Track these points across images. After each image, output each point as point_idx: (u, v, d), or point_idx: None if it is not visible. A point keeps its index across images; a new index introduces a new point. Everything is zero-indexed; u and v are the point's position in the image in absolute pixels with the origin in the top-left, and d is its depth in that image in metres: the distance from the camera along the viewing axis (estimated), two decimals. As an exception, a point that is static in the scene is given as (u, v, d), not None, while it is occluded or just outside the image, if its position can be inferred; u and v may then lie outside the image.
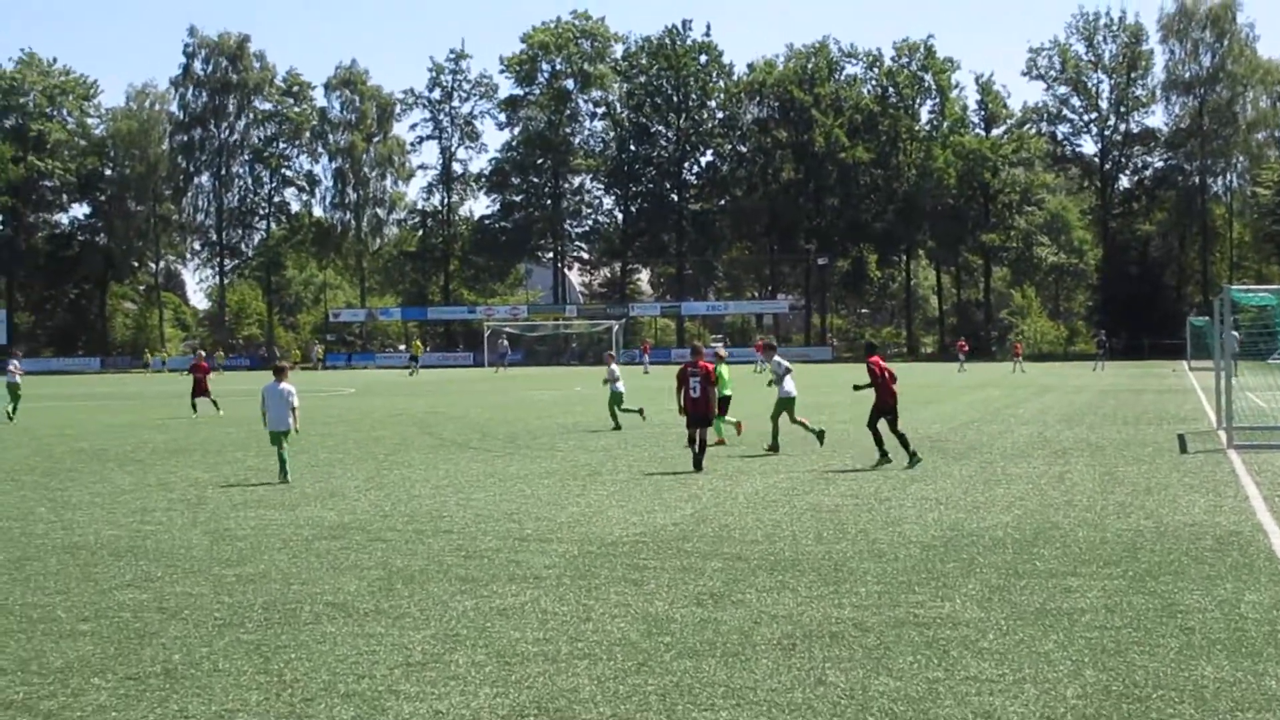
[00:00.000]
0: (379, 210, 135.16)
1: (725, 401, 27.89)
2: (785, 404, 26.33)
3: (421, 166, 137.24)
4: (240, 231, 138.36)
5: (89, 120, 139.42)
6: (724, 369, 28.07)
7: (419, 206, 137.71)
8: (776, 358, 27.47)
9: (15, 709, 8.46)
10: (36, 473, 23.77)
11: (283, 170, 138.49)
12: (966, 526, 15.53)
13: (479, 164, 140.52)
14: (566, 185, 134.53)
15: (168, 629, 10.65)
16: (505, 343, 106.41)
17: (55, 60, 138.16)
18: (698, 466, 22.54)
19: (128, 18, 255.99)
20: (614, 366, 34.38)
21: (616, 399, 33.48)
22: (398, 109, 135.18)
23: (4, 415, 40.00)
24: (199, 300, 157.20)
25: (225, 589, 12.25)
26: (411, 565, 13.31)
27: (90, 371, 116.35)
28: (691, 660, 9.40)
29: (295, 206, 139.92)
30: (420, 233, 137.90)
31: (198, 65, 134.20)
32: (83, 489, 20.94)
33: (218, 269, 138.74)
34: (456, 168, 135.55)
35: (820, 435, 26.49)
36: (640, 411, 33.81)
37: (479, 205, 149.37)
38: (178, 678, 9.15)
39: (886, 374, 23.33)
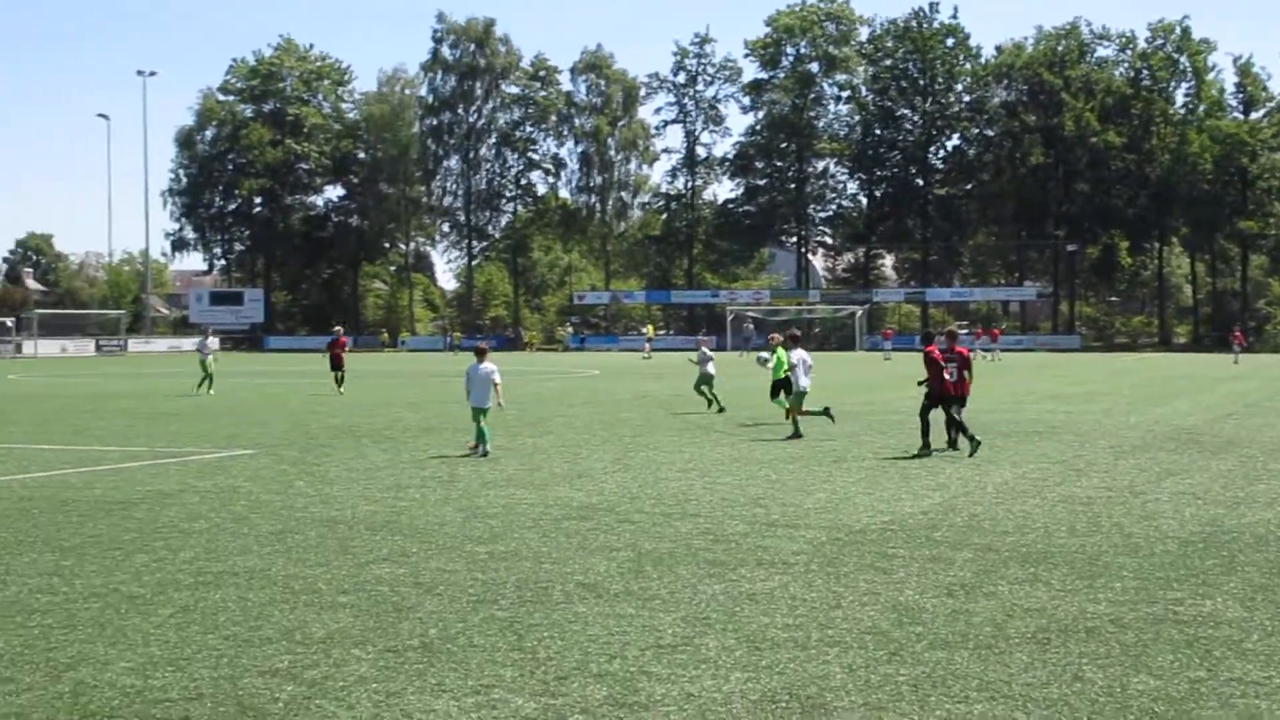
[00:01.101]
0: (623, 194, 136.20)
1: (782, 384, 29.52)
2: (798, 396, 27.24)
3: (666, 150, 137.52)
4: (488, 214, 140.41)
5: (343, 105, 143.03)
6: (781, 353, 29.54)
7: (663, 190, 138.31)
8: (799, 350, 28.00)
9: (280, 677, 8.72)
10: (295, 448, 24.49)
11: (529, 153, 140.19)
12: (1226, 523, 15.08)
13: (723, 148, 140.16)
14: (810, 169, 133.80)
15: (424, 604, 10.87)
16: (751, 326, 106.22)
17: (312, 46, 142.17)
18: (958, 445, 23.51)
19: (379, 4, 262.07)
20: (706, 350, 35.28)
21: (705, 380, 34.22)
22: (642, 93, 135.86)
23: (201, 390, 42.19)
24: (447, 281, 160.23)
25: (478, 566, 12.47)
26: (660, 548, 13.40)
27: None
28: (943, 651, 9.30)
29: (541, 189, 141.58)
30: (664, 216, 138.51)
31: (446, 50, 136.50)
32: (339, 464, 21.51)
33: (466, 250, 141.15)
34: (700, 151, 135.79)
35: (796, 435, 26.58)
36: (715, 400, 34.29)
37: (723, 189, 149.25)
38: (435, 651, 9.34)
39: (944, 365, 23.69)
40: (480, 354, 23.92)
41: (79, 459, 22.82)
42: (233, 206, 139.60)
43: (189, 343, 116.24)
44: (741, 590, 11.33)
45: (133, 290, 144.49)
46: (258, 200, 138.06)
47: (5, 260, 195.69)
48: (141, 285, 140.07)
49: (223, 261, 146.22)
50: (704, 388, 34.10)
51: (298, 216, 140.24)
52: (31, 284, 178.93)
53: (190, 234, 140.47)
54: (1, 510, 16.23)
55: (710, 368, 34.34)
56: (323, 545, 13.67)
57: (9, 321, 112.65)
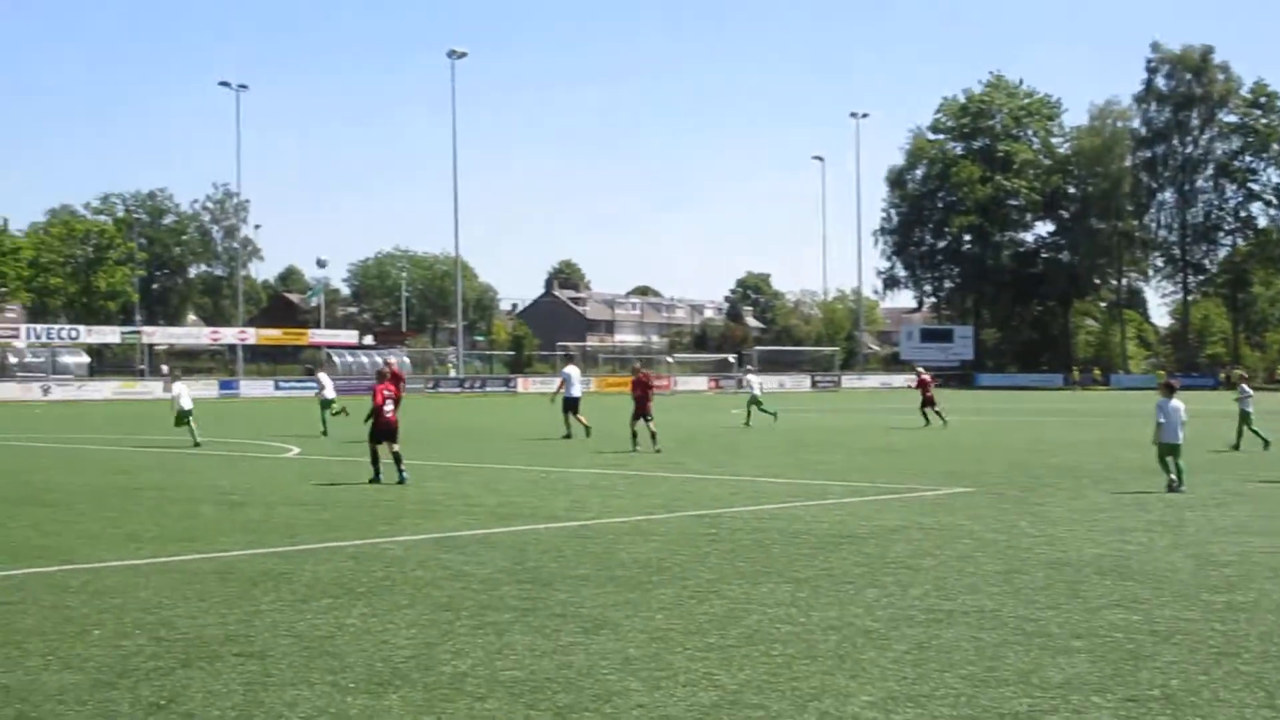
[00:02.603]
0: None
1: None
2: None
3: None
4: (1204, 247, 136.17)
5: (1052, 139, 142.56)
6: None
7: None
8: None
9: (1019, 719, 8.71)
10: (1015, 486, 24.43)
11: (1249, 184, 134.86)
12: None
13: None
14: None
15: (1162, 653, 10.56)
16: None
17: (1021, 81, 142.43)
18: None
19: (1091, 37, 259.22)
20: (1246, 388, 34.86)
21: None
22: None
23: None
24: (1160, 318, 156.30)
25: (1215, 616, 12.01)
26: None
27: (1052, 388, 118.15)
28: None
29: (1262, 221, 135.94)
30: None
31: (1160, 80, 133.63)
32: (1060, 505, 21.28)
33: (1181, 286, 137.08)
34: None
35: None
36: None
37: None
38: (1178, 704, 9.05)
39: None
40: (1169, 390, 24.14)
41: (806, 492, 23.66)
42: (942, 244, 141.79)
43: (899, 379, 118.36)
44: None
45: (845, 327, 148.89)
46: (967, 237, 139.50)
47: (727, 299, 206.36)
48: (854, 323, 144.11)
49: (933, 299, 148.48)
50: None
51: (1007, 253, 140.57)
52: (750, 321, 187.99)
53: (901, 272, 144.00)
54: (739, 541, 17.02)
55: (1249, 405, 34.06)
56: (1051, 587, 13.54)
57: (731, 358, 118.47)
